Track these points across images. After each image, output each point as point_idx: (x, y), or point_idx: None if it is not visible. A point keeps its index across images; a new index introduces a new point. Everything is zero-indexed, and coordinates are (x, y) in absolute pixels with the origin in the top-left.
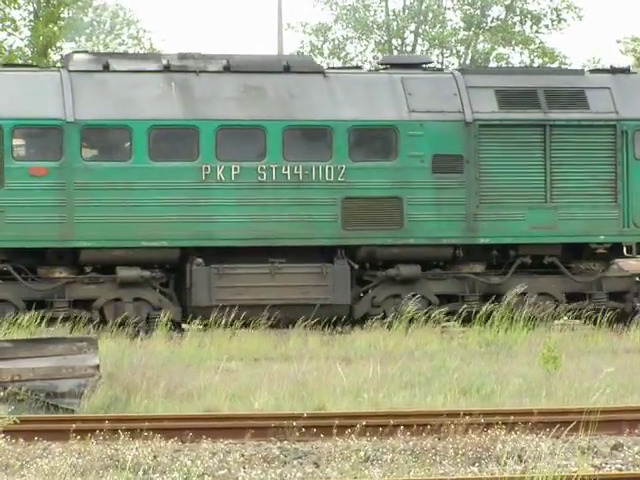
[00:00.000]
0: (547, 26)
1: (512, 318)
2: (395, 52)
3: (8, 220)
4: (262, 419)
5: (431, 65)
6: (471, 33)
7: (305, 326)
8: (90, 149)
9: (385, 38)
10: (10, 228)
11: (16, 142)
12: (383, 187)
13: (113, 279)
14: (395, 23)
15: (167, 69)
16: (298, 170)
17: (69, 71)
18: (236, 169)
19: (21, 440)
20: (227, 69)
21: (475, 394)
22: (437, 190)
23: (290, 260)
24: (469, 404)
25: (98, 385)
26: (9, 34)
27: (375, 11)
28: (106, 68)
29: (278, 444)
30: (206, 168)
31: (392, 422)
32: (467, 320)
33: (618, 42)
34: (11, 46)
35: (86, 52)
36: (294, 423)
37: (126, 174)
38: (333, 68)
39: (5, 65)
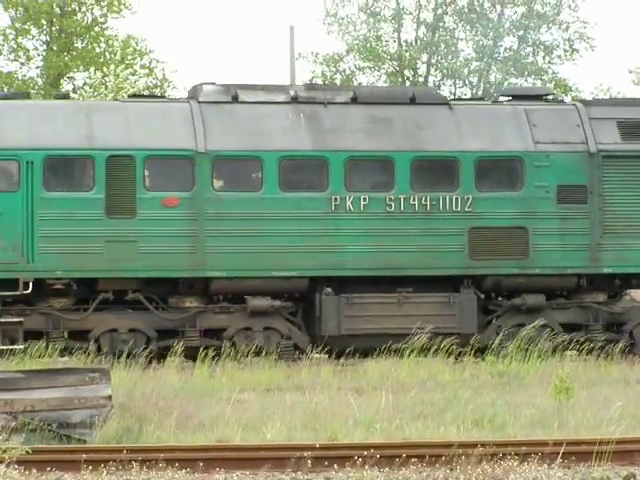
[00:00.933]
0: (559, 57)
1: (526, 349)
2: (407, 83)
3: (140, 250)
4: (275, 450)
5: (552, 97)
6: (483, 64)
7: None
8: (221, 179)
9: (397, 69)
10: (143, 258)
11: (148, 172)
12: (509, 217)
13: (243, 309)
14: (407, 54)
15: (295, 100)
16: (426, 200)
17: (199, 102)
18: (365, 199)
19: (34, 470)
20: (354, 100)
21: (487, 425)
22: (562, 220)
23: (416, 289)
24: (481, 435)
25: (110, 416)
26: (22, 64)
27: (387, 42)
28: (235, 99)
29: (291, 475)
30: (335, 199)
31: (405, 453)
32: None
33: (630, 72)
34: (24, 76)
35: (214, 83)
36: (307, 454)
37: (257, 204)
38: (457, 99)
39: (133, 96)
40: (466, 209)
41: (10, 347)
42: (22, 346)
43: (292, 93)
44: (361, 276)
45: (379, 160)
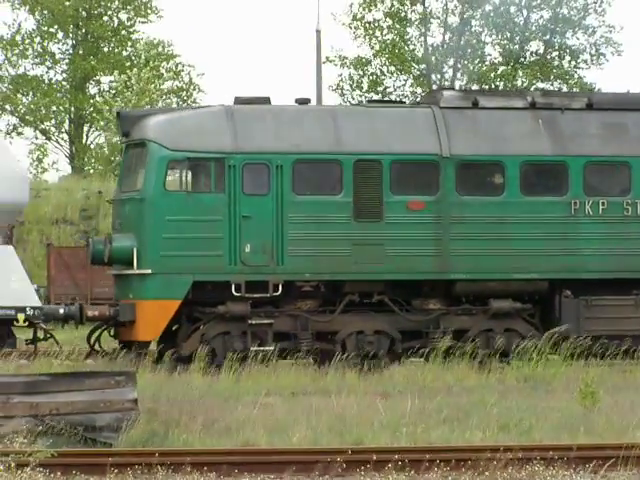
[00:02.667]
0: (586, 61)
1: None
2: (434, 86)
3: (387, 253)
4: (300, 454)
5: None
6: (509, 68)
7: (341, 360)
8: (464, 184)
9: (424, 72)
10: (389, 261)
11: (394, 177)
12: None
13: (485, 310)
14: (434, 58)
15: (533, 106)
16: None
17: (440, 107)
18: (603, 204)
19: (59, 474)
20: (589, 106)
21: (513, 429)
22: None
23: None
24: (507, 439)
25: (136, 419)
26: (49, 68)
27: (414, 45)
28: (475, 105)
29: (317, 479)
30: (575, 203)
31: (430, 457)
32: None
33: None
34: (50, 79)
35: (452, 89)
36: (333, 458)
37: (499, 208)
38: None
39: (372, 101)
40: None
41: (260, 349)
42: (272, 347)
43: (529, 99)
44: (598, 279)
45: (616, 165)
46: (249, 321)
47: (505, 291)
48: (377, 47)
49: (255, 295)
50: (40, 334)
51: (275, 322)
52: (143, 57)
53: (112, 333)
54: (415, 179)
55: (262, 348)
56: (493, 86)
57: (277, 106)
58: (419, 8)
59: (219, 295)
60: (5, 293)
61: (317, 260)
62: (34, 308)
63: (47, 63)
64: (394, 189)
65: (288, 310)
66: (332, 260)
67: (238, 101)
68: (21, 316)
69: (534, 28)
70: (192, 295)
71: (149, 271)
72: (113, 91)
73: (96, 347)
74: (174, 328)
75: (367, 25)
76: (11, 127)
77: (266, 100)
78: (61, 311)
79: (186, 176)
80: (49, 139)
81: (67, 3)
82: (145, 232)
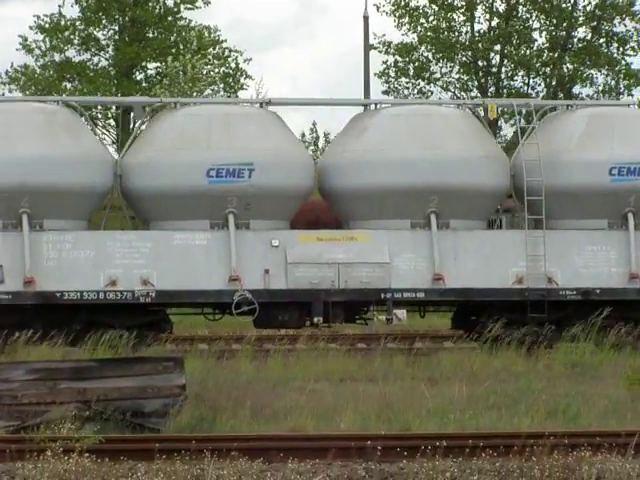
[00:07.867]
0: (633, 48)
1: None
2: (480, 73)
3: None
4: (348, 439)
5: None
6: (556, 55)
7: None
8: None
9: (470, 59)
10: None
11: None
12: None
13: None
14: (480, 44)
15: None
16: None
17: None
18: None
19: (106, 459)
20: None
21: (561, 416)
22: None
23: None
24: (555, 426)
25: (184, 405)
26: (93, 54)
27: (460, 32)
28: None
29: (363, 465)
30: None
31: (478, 443)
32: None
33: None
34: (96, 65)
35: None
36: (379, 444)
37: None
38: None
39: None
40: None
41: None
42: None
43: None
44: None
45: None
46: None
47: None
48: (422, 34)
49: None
50: None
51: None
52: (195, 44)
53: None
54: None
55: None
56: (540, 72)
57: None
58: None
59: None
60: None
61: None
62: None
63: (92, 49)
64: None
65: None
66: None
67: None
68: None
69: (581, 14)
70: None
71: None
72: (160, 77)
73: None
74: None
75: (411, 12)
76: None
77: None
78: None
79: None
80: (95, 125)
81: None
82: None
